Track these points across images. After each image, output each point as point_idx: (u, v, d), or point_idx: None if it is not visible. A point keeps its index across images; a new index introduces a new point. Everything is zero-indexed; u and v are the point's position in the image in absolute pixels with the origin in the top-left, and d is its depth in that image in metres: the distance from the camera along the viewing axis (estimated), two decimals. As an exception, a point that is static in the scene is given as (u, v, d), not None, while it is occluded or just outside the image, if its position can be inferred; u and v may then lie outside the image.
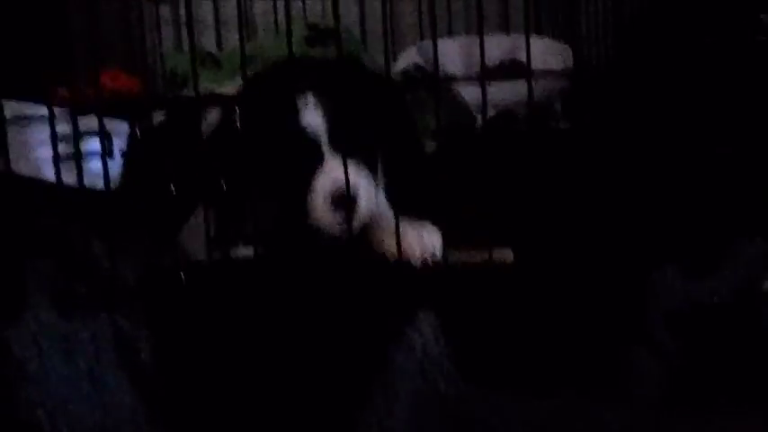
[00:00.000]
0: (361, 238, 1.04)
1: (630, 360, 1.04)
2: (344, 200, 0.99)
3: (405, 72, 1.46)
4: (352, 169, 0.97)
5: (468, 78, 1.28)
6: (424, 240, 1.01)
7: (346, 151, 0.99)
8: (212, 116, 1.16)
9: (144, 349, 1.06)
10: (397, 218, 0.97)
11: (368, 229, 1.04)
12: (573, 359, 1.04)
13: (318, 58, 1.28)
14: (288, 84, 1.03)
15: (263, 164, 1.02)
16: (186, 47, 1.76)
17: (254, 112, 1.03)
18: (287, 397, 1.01)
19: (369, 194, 1.01)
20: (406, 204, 1.06)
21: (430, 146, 1.09)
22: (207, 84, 1.52)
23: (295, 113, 1.02)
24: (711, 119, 1.15)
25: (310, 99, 1.01)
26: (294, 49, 1.05)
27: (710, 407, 1.02)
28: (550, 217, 1.10)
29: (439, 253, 1.01)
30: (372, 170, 1.03)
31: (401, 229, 0.98)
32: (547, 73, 1.32)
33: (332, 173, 0.99)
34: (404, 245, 0.99)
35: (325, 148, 0.99)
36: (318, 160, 0.99)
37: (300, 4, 1.65)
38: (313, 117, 1.01)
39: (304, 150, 1.01)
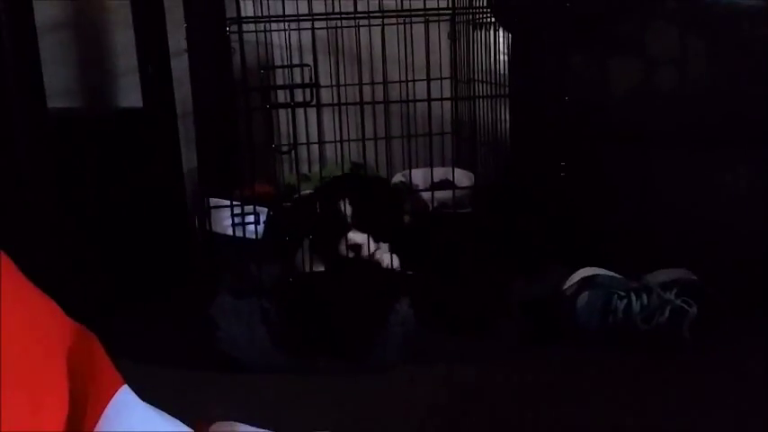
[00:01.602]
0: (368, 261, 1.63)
1: (499, 323, 1.59)
2: (354, 249, 1.61)
3: (396, 184, 2.14)
4: (363, 236, 1.60)
5: (426, 189, 1.96)
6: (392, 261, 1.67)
7: (360, 227, 1.60)
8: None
9: (273, 314, 1.54)
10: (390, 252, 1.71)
11: (373, 257, 1.66)
12: (473, 321, 1.56)
13: (353, 174, 1.97)
14: (335, 191, 1.64)
15: (325, 228, 1.63)
16: (294, 171, 2.32)
17: (320, 202, 1.63)
18: (338, 324, 1.48)
19: (368, 246, 1.58)
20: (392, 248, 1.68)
21: (407, 219, 1.76)
22: (303, 189, 1.95)
23: (338, 208, 1.61)
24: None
25: (346, 200, 1.61)
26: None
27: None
28: (465, 245, 1.72)
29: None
30: (377, 233, 1.62)
31: (385, 255, 1.66)
32: (461, 188, 1.97)
33: (350, 237, 1.61)
34: (385, 262, 1.67)
35: (351, 225, 1.61)
36: (346, 230, 1.62)
37: (347, 150, 2.30)
38: (345, 208, 1.60)
39: (340, 225, 1.62)
